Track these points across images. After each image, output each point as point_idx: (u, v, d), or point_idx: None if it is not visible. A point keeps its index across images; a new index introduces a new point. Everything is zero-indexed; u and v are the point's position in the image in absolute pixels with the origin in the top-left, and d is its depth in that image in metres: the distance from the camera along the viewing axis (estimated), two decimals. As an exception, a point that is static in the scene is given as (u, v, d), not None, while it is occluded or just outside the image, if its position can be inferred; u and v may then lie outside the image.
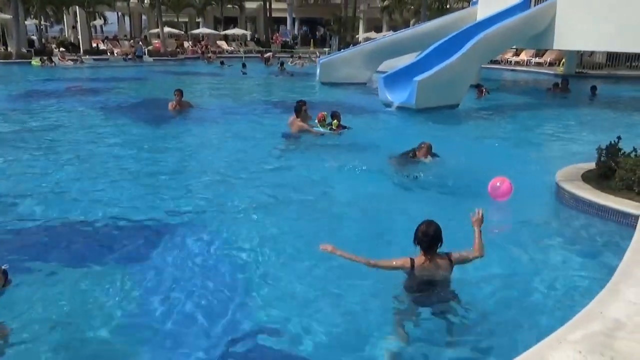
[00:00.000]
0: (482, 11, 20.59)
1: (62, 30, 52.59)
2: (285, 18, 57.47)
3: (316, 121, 10.64)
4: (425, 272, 3.92)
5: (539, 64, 32.53)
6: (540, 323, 3.85)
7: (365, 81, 21.35)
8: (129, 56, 35.31)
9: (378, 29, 52.09)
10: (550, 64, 31.80)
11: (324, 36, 61.27)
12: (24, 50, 32.47)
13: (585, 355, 2.95)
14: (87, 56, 34.62)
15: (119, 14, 56.59)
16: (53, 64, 29.34)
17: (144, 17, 58.29)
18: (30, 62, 29.72)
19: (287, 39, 52.28)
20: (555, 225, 6.03)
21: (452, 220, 4.66)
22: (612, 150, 6.81)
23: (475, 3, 22.34)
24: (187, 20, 57.05)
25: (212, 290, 4.49)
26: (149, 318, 4.09)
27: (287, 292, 4.51)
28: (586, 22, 16.81)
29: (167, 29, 43.18)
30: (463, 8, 31.01)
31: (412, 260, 3.94)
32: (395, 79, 15.00)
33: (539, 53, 33.10)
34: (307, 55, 35.38)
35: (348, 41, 45.82)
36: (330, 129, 10.58)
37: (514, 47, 28.96)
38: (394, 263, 4.00)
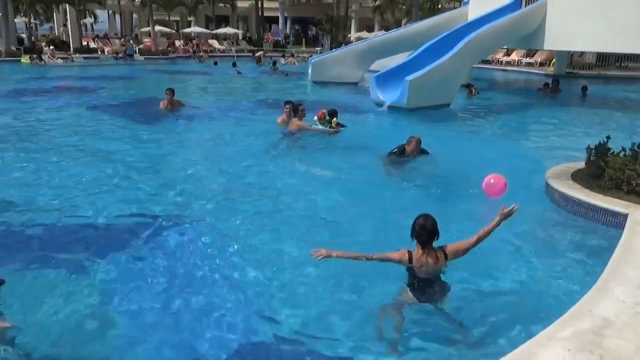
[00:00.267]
0: (473, 11, 20.69)
1: (52, 29, 52.16)
2: (277, 17, 57.38)
3: (315, 118, 10.66)
4: (423, 265, 3.96)
5: (529, 64, 32.72)
6: (529, 321, 3.87)
7: (357, 80, 21.36)
8: (120, 55, 35.08)
9: (370, 29, 52.15)
10: (541, 64, 32.00)
11: (316, 35, 61.29)
12: (13, 48, 32.16)
13: (574, 353, 2.97)
14: (78, 54, 34.35)
15: (110, 12, 56.31)
16: (43, 62, 29.09)
17: (134, 15, 58.07)
18: (20, 60, 29.46)
19: (279, 38, 52.20)
20: (545, 224, 6.06)
21: (442, 217, 4.64)
22: (601, 150, 6.86)
23: (467, 3, 22.44)
24: (178, 18, 56.82)
25: (202, 289, 4.48)
26: (141, 317, 4.07)
27: (285, 290, 4.51)
28: (576, 22, 16.94)
29: (158, 28, 42.94)
30: (454, 8, 31.14)
31: (409, 254, 3.98)
32: (386, 78, 15.02)
33: (530, 53, 33.28)
34: (299, 56, 35.27)
35: (340, 41, 45.82)
36: (329, 127, 10.61)
37: (505, 47, 29.11)
38: (392, 256, 4.03)
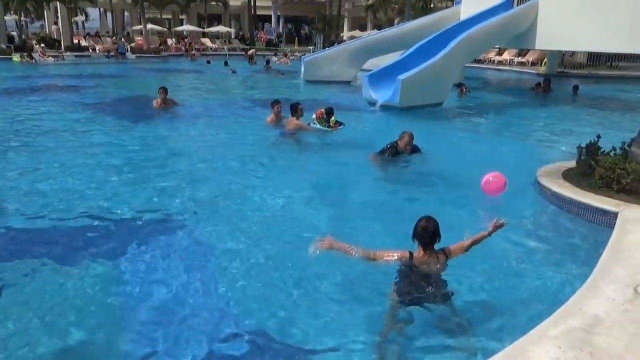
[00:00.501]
0: (465, 10, 20.78)
1: (42, 26, 51.77)
2: (270, 16, 57.29)
3: (313, 117, 10.67)
4: (424, 266, 3.98)
5: (521, 64, 32.89)
6: (520, 318, 3.89)
7: (350, 79, 21.38)
8: (111, 53, 34.90)
9: (362, 28, 52.24)
10: (533, 64, 32.19)
11: (308, 34, 61.25)
12: (3, 46, 31.91)
13: (565, 351, 2.99)
14: (69, 53, 34.15)
15: (101, 10, 56.03)
16: (33, 61, 28.90)
17: (126, 13, 57.74)
18: (11, 58, 29.25)
19: (272, 37, 52.13)
20: (536, 222, 6.10)
21: (436, 216, 4.67)
22: (592, 149, 6.91)
23: (459, 2, 22.52)
24: (170, 17, 56.57)
25: (195, 289, 4.47)
26: (134, 316, 4.05)
27: (280, 289, 4.50)
28: (567, 22, 17.06)
29: (150, 26, 42.74)
30: (447, 7, 31.23)
31: (410, 254, 4.01)
32: (379, 77, 15.04)
33: (522, 53, 33.46)
34: (293, 55, 35.23)
35: (333, 39, 45.82)
36: (328, 126, 10.60)
37: (497, 46, 29.25)
38: (393, 256, 4.04)
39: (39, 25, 57.24)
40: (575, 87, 19.62)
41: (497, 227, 4.17)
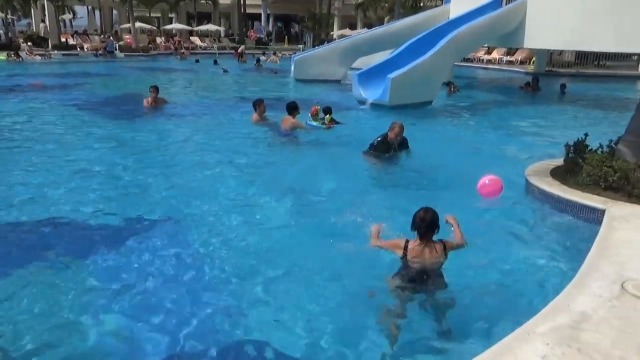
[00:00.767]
0: (454, 9, 20.88)
1: (29, 25, 51.23)
2: (260, 14, 57.10)
3: (310, 116, 10.72)
4: (419, 255, 4.04)
5: (510, 62, 33.12)
6: (508, 316, 3.91)
7: (340, 78, 21.39)
8: (100, 51, 34.63)
9: (352, 26, 52.22)
10: (522, 63, 32.41)
11: (298, 33, 61.19)
12: (-11, 44, 31.59)
13: (552, 347, 3.01)
14: (56, 51, 33.83)
15: (89, 8, 55.50)
16: (20, 59, 28.61)
17: (114, 11, 57.28)
18: (-3, 56, 28.97)
19: (262, 36, 52.01)
20: (525, 220, 6.13)
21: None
22: (579, 147, 6.96)
23: (448, 1, 22.61)
24: (159, 15, 56.21)
25: (182, 289, 4.44)
26: (120, 320, 4.02)
27: (272, 288, 4.48)
28: (555, 21, 17.19)
29: (138, 24, 42.50)
30: (436, 6, 31.31)
31: (406, 242, 4.12)
32: (369, 76, 15.06)
33: (510, 51, 33.69)
34: (281, 53, 35.14)
35: (322, 38, 45.84)
36: (322, 124, 10.64)
37: (486, 45, 29.41)
38: (391, 242, 4.26)
39: (26, 24, 56.65)
40: (563, 86, 19.80)
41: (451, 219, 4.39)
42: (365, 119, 13.48)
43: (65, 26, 55.04)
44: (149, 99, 12.93)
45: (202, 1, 51.72)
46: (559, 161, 7.28)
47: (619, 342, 3.07)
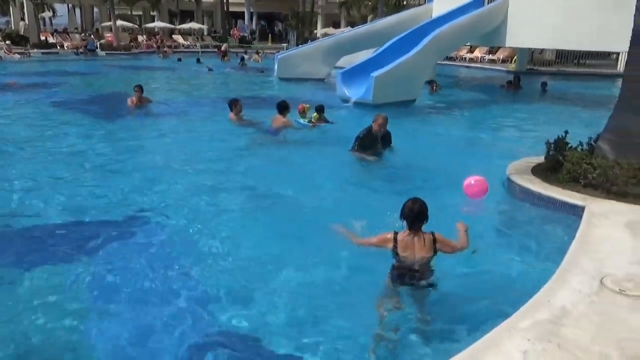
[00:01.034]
0: (437, 8, 21.00)
1: (8, 23, 50.31)
2: (243, 12, 56.77)
3: (297, 112, 10.87)
4: (409, 246, 4.08)
5: (492, 61, 33.42)
6: (490, 312, 3.95)
7: (323, 77, 21.39)
8: (81, 50, 34.17)
9: (336, 25, 52.29)
10: (503, 61, 32.73)
11: (282, 31, 61.03)
12: (-33, 42, 30.99)
13: (533, 342, 3.05)
14: (36, 50, 33.31)
15: (69, 5, 54.69)
16: (-1, 58, 28.14)
17: (95, 9, 56.48)
18: (-25, 55, 28.44)
19: (245, 34, 51.74)
20: (506, 217, 6.20)
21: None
22: (559, 145, 7.05)
23: (431, 0, 22.72)
24: (141, 13, 55.66)
25: (165, 290, 4.41)
26: (97, 321, 3.98)
27: (261, 288, 4.47)
28: (536, 20, 17.40)
29: (120, 22, 41.99)
30: (419, 5, 31.50)
31: (395, 234, 4.15)
32: (352, 74, 15.08)
33: (493, 50, 34.00)
34: (264, 52, 34.95)
35: (306, 37, 45.77)
36: (308, 122, 10.67)
37: (468, 44, 29.64)
38: (379, 238, 4.25)
39: (5, 22, 55.60)
40: (544, 84, 20.05)
41: (464, 228, 4.41)
42: (349, 117, 13.50)
43: (45, 24, 54.24)
44: (134, 98, 12.76)
45: (185, -1, 51.38)
46: (540, 159, 7.37)
47: (598, 338, 3.12)
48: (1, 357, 3.51)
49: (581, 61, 33.52)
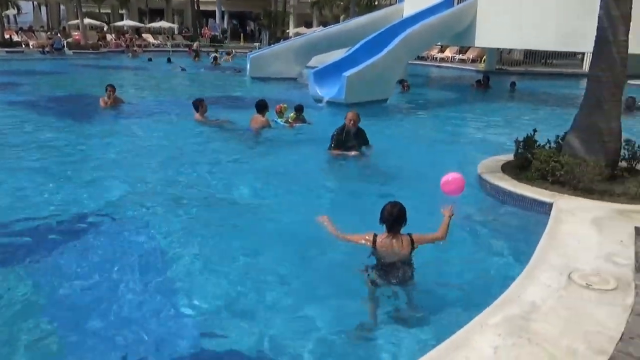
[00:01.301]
0: (408, 8, 21.20)
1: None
2: (214, 11, 56.30)
3: (275, 112, 10.87)
4: (387, 247, 4.22)
5: (462, 61, 33.90)
6: (462, 308, 4.00)
7: (296, 76, 21.37)
8: (47, 49, 33.32)
9: (308, 24, 52.27)
10: (473, 61, 33.23)
11: (254, 30, 60.70)
12: None
13: (504, 338, 3.10)
14: (-1, 48, 32.41)
15: (35, 3, 53.34)
16: (-40, 57, 27.27)
17: (62, 7, 55.26)
18: None
19: (217, 33, 51.28)
20: (477, 214, 6.27)
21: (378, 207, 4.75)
22: (528, 143, 7.19)
23: (402, 0, 22.92)
24: (109, 11, 54.63)
25: (137, 292, 4.33)
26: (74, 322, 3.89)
27: (236, 290, 4.42)
28: (504, 21, 17.74)
29: (87, 21, 41.12)
30: (391, 4, 31.72)
31: (374, 236, 4.28)
32: (325, 74, 15.10)
33: (463, 50, 34.47)
34: (235, 52, 34.67)
35: (278, 36, 45.65)
36: (286, 122, 10.65)
37: (439, 44, 30.00)
38: (359, 236, 4.39)
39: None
40: (513, 84, 20.45)
41: (448, 212, 4.55)
42: (323, 117, 13.52)
43: (9, 22, 52.69)
44: (106, 98, 12.53)
45: (154, -3, 50.65)
46: (510, 157, 7.50)
47: (566, 332, 3.19)
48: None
49: (548, 61, 34.32)
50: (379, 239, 4.26)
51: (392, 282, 4.15)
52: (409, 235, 4.28)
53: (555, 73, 29.35)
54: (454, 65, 32.85)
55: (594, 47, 6.90)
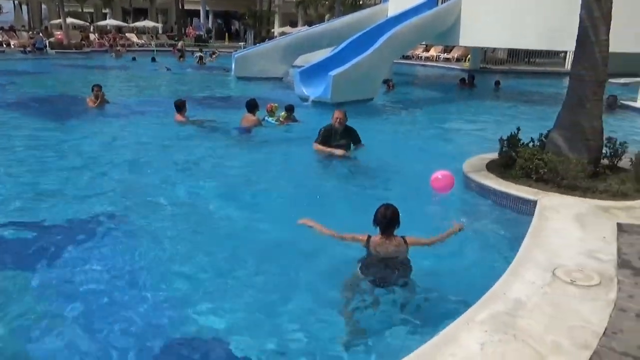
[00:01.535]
0: (392, 8, 21.28)
1: (-51, 20, 47.94)
2: (199, 10, 55.94)
3: (266, 111, 10.91)
4: (381, 249, 4.25)
5: (447, 60, 34.15)
6: (448, 306, 4.04)
7: (281, 76, 21.33)
8: (28, 48, 32.88)
9: (293, 24, 52.23)
10: (458, 60, 33.50)
11: (239, 30, 60.46)
12: None
13: (490, 334, 3.13)
14: (-21, 48, 31.91)
15: (16, 2, 52.59)
16: (-61, 57, 26.79)
17: (44, 6, 54.54)
18: None
19: (201, 33, 50.99)
20: (463, 213, 6.31)
21: (367, 206, 4.76)
22: (512, 141, 7.25)
23: (386, 0, 23.01)
24: (92, 10, 54.06)
25: (124, 294, 4.30)
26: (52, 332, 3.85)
27: (225, 290, 4.42)
28: (487, 20, 17.89)
29: (70, 20, 40.64)
30: (375, 4, 31.82)
31: (368, 237, 4.30)
32: (310, 73, 15.11)
33: (447, 49, 34.72)
34: (220, 51, 34.50)
35: (263, 35, 45.54)
36: (276, 121, 10.65)
37: (424, 43, 30.19)
38: (354, 237, 4.40)
39: (-55, 19, 52.98)
40: (497, 82, 20.65)
41: (459, 229, 4.62)
42: (310, 116, 13.52)
43: (-11, 21, 51.95)
44: (93, 97, 12.52)
45: (138, -4, 50.22)
46: (494, 155, 7.57)
47: (551, 327, 3.23)
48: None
49: (531, 60, 34.69)
50: (372, 240, 4.28)
51: (383, 283, 4.16)
52: (403, 237, 4.32)
53: (538, 72, 29.71)
54: (438, 64, 33.07)
55: (576, 46, 6.98)
